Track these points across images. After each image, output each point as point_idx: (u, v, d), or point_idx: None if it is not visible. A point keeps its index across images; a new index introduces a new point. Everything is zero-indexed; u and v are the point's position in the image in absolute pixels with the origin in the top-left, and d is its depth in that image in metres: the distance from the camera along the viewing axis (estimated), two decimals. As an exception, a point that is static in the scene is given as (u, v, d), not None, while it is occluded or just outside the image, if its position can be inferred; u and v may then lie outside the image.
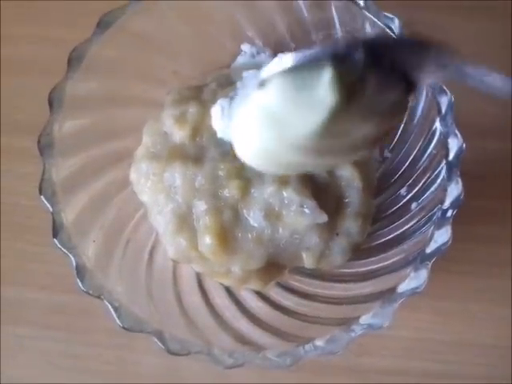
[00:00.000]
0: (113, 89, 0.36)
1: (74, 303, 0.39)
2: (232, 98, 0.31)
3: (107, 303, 0.31)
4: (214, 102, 0.34)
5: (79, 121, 0.34)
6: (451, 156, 0.31)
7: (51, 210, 0.32)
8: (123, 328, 0.30)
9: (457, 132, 0.31)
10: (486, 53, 0.42)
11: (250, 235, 0.33)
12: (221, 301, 0.36)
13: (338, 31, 0.37)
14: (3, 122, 0.43)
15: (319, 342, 0.29)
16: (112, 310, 0.30)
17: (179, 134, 0.34)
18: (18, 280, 0.40)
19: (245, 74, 0.36)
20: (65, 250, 0.31)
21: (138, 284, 0.34)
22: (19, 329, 0.40)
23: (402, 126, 0.37)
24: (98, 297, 0.31)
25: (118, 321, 0.30)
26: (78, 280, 0.31)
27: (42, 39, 0.44)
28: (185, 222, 0.33)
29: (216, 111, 0.34)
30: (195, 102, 0.35)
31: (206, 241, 0.32)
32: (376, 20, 0.33)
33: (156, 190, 0.34)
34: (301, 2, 0.36)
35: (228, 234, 0.33)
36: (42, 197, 0.32)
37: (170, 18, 0.36)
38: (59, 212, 0.32)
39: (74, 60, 0.34)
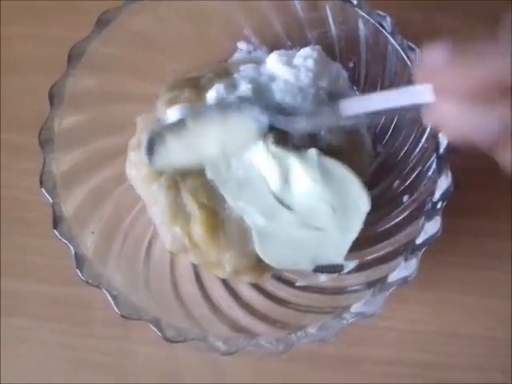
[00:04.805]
0: (111, 85, 0.36)
1: (73, 295, 0.39)
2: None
3: (106, 292, 0.31)
4: (210, 87, 0.35)
5: (79, 116, 0.35)
6: (441, 149, 0.31)
7: (51, 201, 0.32)
8: (121, 316, 0.31)
9: (447, 126, 0.31)
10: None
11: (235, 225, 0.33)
12: (217, 291, 0.36)
13: (332, 29, 0.37)
14: (3, 118, 0.44)
15: (311, 330, 0.29)
16: (110, 298, 0.31)
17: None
18: (17, 272, 0.41)
19: (242, 67, 0.37)
20: (64, 241, 0.32)
21: (136, 274, 0.35)
22: (18, 320, 0.40)
23: (395, 121, 0.37)
24: (97, 286, 0.31)
25: (116, 309, 0.31)
26: (78, 269, 0.31)
27: (42, 38, 0.45)
28: (179, 209, 0.34)
29: (211, 95, 0.34)
30: (190, 88, 0.35)
31: (197, 229, 0.33)
32: (369, 18, 0.33)
33: (149, 179, 0.34)
34: (296, 2, 0.37)
35: (216, 223, 0.33)
36: (42, 189, 0.32)
37: (167, 16, 0.37)
38: (59, 204, 0.32)
39: (73, 57, 0.34)
